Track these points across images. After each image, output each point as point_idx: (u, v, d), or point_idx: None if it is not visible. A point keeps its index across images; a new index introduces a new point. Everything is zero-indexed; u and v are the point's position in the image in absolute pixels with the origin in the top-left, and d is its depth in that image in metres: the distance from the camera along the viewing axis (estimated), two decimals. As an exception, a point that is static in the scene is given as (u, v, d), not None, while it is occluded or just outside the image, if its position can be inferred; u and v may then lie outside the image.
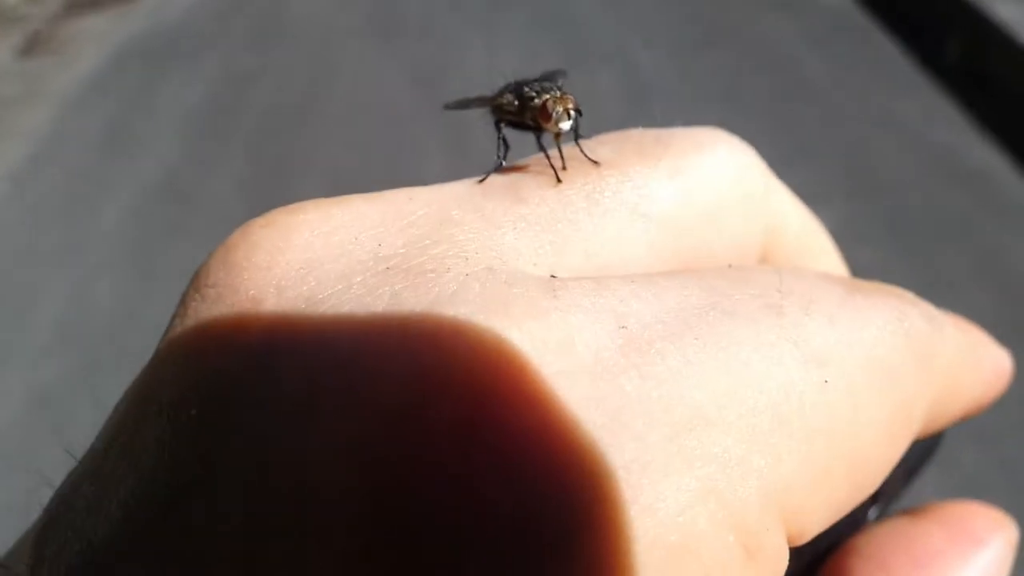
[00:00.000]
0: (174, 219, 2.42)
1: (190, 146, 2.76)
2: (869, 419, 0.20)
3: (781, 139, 2.50)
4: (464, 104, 0.33)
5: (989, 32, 2.80)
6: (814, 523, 0.19)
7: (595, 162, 0.24)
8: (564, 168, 0.24)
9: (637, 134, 0.25)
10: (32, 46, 3.60)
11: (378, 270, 0.20)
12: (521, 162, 0.27)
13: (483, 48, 3.15)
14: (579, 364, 0.18)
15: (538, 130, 0.28)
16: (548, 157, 0.25)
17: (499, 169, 0.26)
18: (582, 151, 0.25)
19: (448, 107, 0.34)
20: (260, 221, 0.22)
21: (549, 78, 0.32)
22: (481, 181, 0.24)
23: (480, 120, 0.32)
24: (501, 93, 0.31)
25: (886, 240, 2.14)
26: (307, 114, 2.86)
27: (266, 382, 0.18)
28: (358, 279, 0.20)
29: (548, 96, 0.28)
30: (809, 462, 0.19)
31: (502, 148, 0.29)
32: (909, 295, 0.24)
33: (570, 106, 0.28)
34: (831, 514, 0.20)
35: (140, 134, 2.85)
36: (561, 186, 0.23)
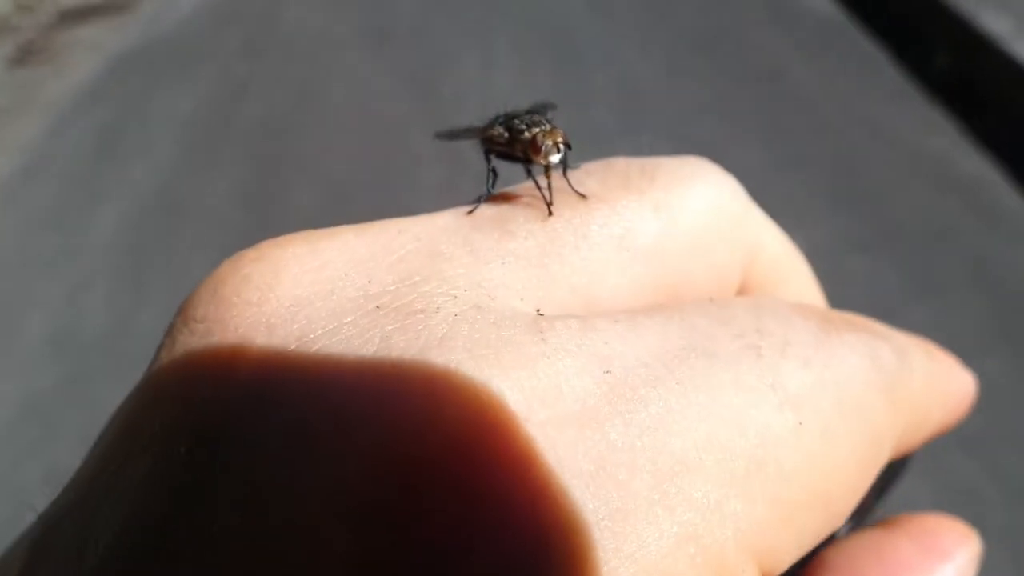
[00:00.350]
0: (168, 228, 2.42)
1: (184, 155, 2.76)
2: (841, 457, 0.21)
3: (773, 147, 2.51)
4: (455, 135, 0.33)
5: (977, 43, 2.82)
6: (786, 558, 0.20)
7: (582, 195, 0.25)
8: (552, 201, 0.25)
9: (623, 165, 0.26)
10: (25, 56, 3.59)
11: (368, 309, 0.20)
12: (510, 190, 0.27)
13: (477, 56, 3.16)
14: (566, 413, 0.18)
15: (527, 162, 0.29)
16: (539, 188, 0.26)
17: (488, 199, 0.26)
18: (570, 184, 0.25)
19: (439, 136, 0.34)
20: (250, 254, 0.22)
21: (538, 110, 0.33)
22: (470, 212, 0.24)
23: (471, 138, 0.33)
24: (491, 124, 0.31)
25: (877, 247, 2.15)
26: (302, 122, 2.86)
27: (258, 422, 0.18)
28: (348, 319, 0.20)
29: (538, 130, 0.29)
30: (783, 503, 0.19)
31: (491, 178, 0.29)
32: (880, 327, 0.24)
33: (559, 140, 0.28)
34: (803, 548, 0.21)
35: (134, 143, 2.85)
36: (549, 220, 0.24)
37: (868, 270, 2.07)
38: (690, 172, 0.26)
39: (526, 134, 0.29)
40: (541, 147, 0.28)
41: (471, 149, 0.34)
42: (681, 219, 0.24)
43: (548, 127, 0.29)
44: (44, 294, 2.23)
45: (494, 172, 0.30)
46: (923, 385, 0.25)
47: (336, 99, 3.00)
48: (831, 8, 3.39)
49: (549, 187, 0.26)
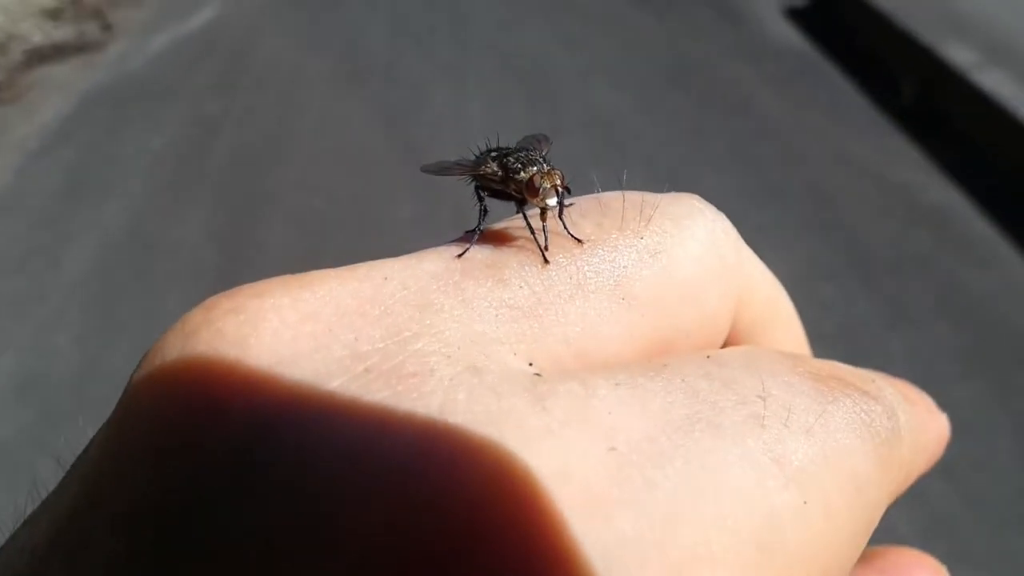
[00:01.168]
0: (139, 267, 2.39)
1: (155, 193, 2.74)
2: (841, 534, 0.21)
3: (744, 177, 2.54)
4: (443, 169, 0.31)
5: (942, 74, 2.88)
6: None
7: (578, 240, 0.24)
8: (547, 246, 0.24)
9: (616, 204, 0.25)
10: (-7, 95, 3.56)
11: (357, 371, 0.19)
12: (501, 228, 0.27)
13: (451, 91, 3.18)
14: (573, 498, 0.17)
15: (522, 202, 0.28)
16: (533, 232, 0.25)
17: (479, 239, 0.25)
18: (565, 227, 0.25)
19: (426, 171, 0.32)
20: (224, 303, 0.21)
21: (531, 145, 0.31)
22: (461, 255, 0.23)
23: (449, 158, 0.32)
24: (482, 159, 0.30)
25: (849, 276, 2.17)
26: (275, 158, 2.86)
27: (238, 501, 0.17)
28: (336, 383, 0.19)
29: (535, 169, 0.28)
30: None
31: (482, 217, 0.28)
32: (870, 382, 0.24)
33: (557, 183, 0.27)
34: None
35: (103, 182, 2.82)
36: (544, 268, 0.23)
37: (841, 298, 2.09)
38: (685, 211, 0.25)
39: (522, 174, 0.28)
40: (539, 189, 0.27)
41: (446, 183, 0.33)
42: (678, 265, 0.24)
43: (545, 167, 0.28)
44: (12, 336, 2.19)
45: (485, 210, 0.29)
46: (910, 444, 0.25)
47: (309, 134, 3.00)
48: (799, 41, 3.46)
49: (545, 231, 0.25)
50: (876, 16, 3.29)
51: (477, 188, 0.30)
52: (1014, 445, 1.70)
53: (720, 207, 0.27)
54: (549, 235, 0.25)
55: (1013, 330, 2.00)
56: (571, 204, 0.26)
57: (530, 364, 0.21)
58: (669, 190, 0.26)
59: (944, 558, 0.29)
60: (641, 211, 0.25)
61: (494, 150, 0.30)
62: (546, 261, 0.23)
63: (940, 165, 2.64)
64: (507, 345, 0.21)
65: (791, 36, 3.50)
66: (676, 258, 0.24)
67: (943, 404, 0.30)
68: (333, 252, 2.30)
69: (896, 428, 0.23)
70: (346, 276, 0.22)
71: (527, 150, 0.30)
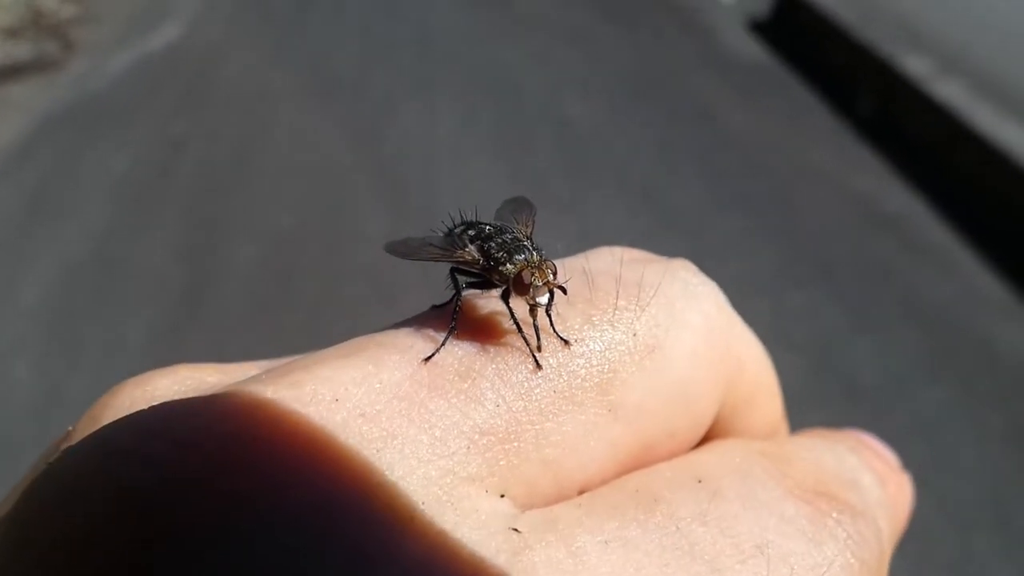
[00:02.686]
0: (102, 290, 2.35)
1: (118, 215, 2.70)
2: None
3: (710, 187, 2.56)
4: (411, 251, 0.27)
5: (899, 85, 2.94)
6: None
7: (565, 341, 0.22)
8: (540, 348, 0.22)
9: (607, 283, 0.23)
10: (-50, 117, 3.50)
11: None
12: (478, 312, 0.24)
13: (420, 105, 3.17)
14: None
15: (506, 292, 0.25)
16: (522, 332, 0.22)
17: (452, 334, 0.22)
18: (552, 326, 0.22)
19: (392, 252, 0.28)
20: (144, 440, 0.18)
21: (513, 219, 0.28)
22: (428, 359, 0.21)
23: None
24: (457, 239, 0.27)
25: (814, 284, 2.20)
26: (241, 176, 2.83)
27: None
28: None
29: (523, 259, 0.25)
30: None
31: (456, 309, 0.24)
32: (852, 488, 0.23)
33: (550, 278, 0.24)
34: None
35: (65, 204, 2.78)
36: (527, 381, 0.21)
37: (807, 305, 2.11)
38: (679, 291, 0.24)
39: (509, 266, 0.25)
40: (529, 286, 0.24)
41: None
42: (671, 364, 0.22)
43: (535, 257, 0.25)
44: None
45: (459, 294, 0.25)
46: (889, 542, 0.24)
47: (276, 152, 2.98)
48: (761, 53, 3.50)
49: (536, 328, 0.22)
50: (836, 29, 3.35)
51: (453, 271, 0.26)
52: (979, 447, 1.73)
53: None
54: (530, 329, 0.22)
55: (974, 334, 2.03)
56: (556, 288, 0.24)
57: (502, 496, 0.19)
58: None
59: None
60: (638, 298, 0.23)
61: (470, 226, 0.27)
62: (538, 366, 0.21)
63: (898, 173, 2.68)
64: (478, 483, 0.19)
65: (753, 49, 3.55)
66: (671, 356, 0.22)
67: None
68: (301, 271, 2.28)
69: (881, 543, 0.22)
70: (287, 398, 0.18)
71: (510, 231, 0.27)
